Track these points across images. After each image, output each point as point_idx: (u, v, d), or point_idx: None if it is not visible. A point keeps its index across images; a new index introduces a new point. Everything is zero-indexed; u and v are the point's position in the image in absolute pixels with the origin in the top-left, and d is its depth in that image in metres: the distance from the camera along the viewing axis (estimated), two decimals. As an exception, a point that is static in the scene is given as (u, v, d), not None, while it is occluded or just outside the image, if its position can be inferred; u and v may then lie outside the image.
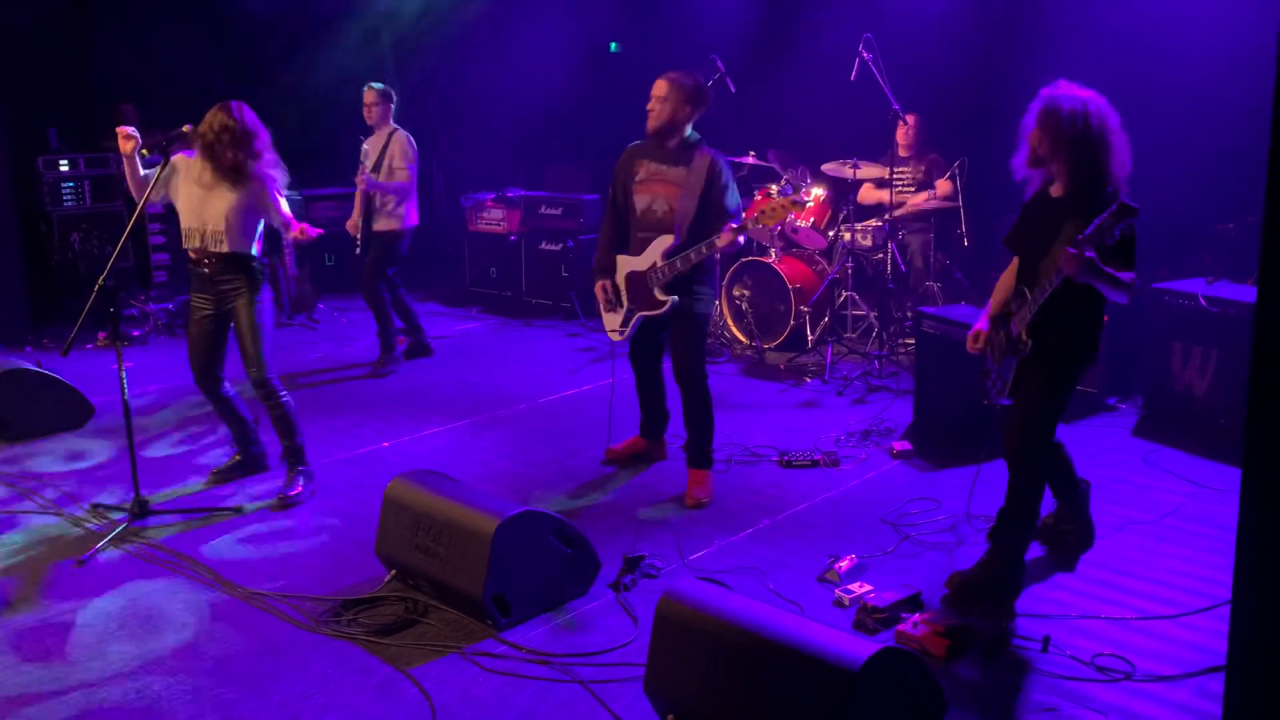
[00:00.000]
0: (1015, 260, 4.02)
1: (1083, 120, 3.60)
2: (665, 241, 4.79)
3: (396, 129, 7.24)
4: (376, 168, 7.15)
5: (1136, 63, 6.75)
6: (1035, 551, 4.18)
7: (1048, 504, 4.17)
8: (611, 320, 5.07)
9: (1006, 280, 4.04)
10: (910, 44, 7.54)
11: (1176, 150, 6.52)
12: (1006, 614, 3.76)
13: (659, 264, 4.79)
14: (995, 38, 7.57)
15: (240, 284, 4.84)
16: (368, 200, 7.15)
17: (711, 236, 4.65)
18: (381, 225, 7.17)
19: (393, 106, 7.29)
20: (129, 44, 9.22)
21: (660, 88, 4.81)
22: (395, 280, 7.35)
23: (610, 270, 5.02)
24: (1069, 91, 3.68)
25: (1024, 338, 3.78)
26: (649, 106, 4.83)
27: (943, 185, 7.46)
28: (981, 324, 4.05)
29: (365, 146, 7.20)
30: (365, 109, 7.25)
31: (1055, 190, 3.79)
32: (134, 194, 4.92)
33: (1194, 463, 5.21)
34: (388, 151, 7.18)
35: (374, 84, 7.31)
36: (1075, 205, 3.66)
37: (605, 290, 5.01)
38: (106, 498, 5.02)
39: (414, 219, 7.30)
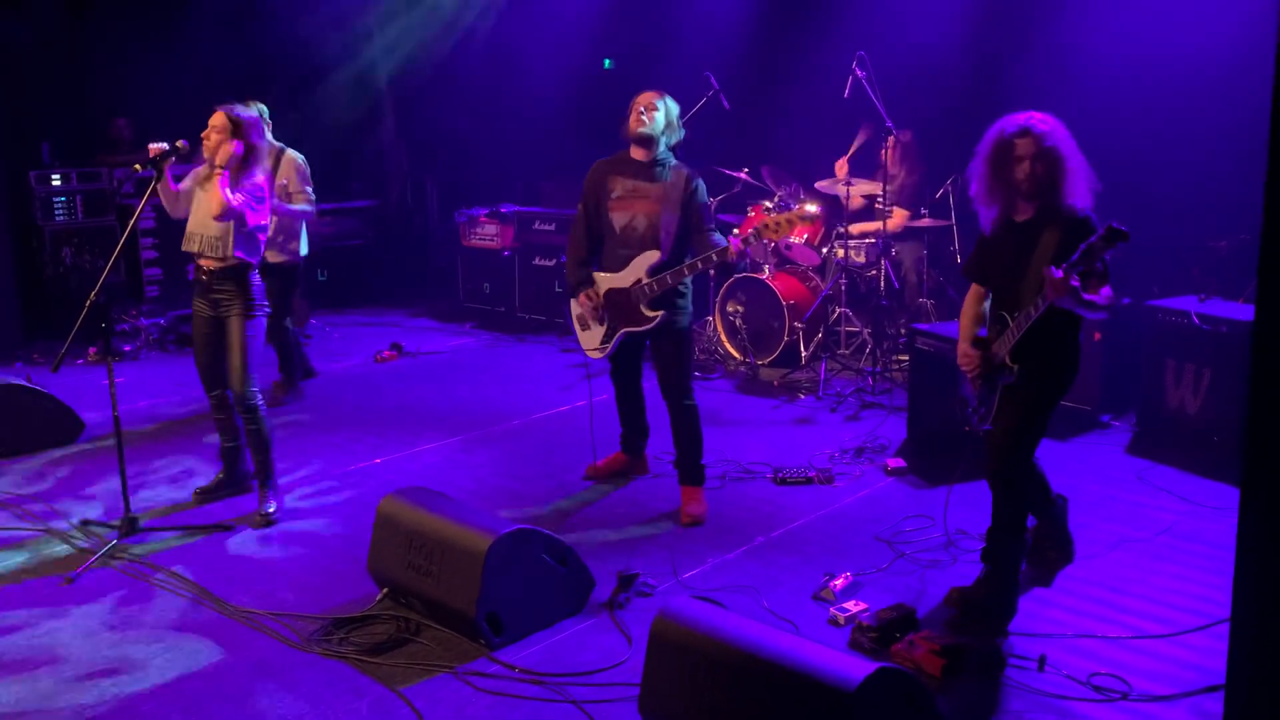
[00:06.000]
0: (974, 289, 4.04)
1: (1066, 144, 3.66)
2: (650, 257, 4.78)
3: (283, 148, 6.59)
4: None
5: (1128, 83, 6.81)
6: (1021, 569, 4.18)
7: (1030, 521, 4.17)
8: (589, 339, 5.05)
9: (971, 309, 4.04)
10: (902, 62, 7.56)
11: (1168, 168, 6.56)
12: (1000, 634, 3.75)
13: (644, 280, 4.77)
14: (988, 53, 7.60)
15: (234, 296, 4.83)
16: None
17: (711, 251, 4.64)
18: (276, 257, 6.49)
19: (269, 126, 6.39)
20: (124, 59, 9.23)
21: (652, 98, 4.82)
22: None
23: (590, 283, 4.98)
24: (1047, 118, 3.71)
25: (1009, 363, 3.79)
26: (640, 114, 4.80)
27: (899, 213, 7.41)
28: (965, 346, 4.01)
29: None
30: None
31: (1022, 215, 3.80)
32: (167, 209, 4.94)
33: (1188, 480, 5.21)
34: (279, 175, 6.53)
35: (255, 103, 6.17)
36: (1047, 228, 3.70)
37: (591, 298, 4.94)
38: (96, 514, 4.98)
39: (307, 248, 6.80)
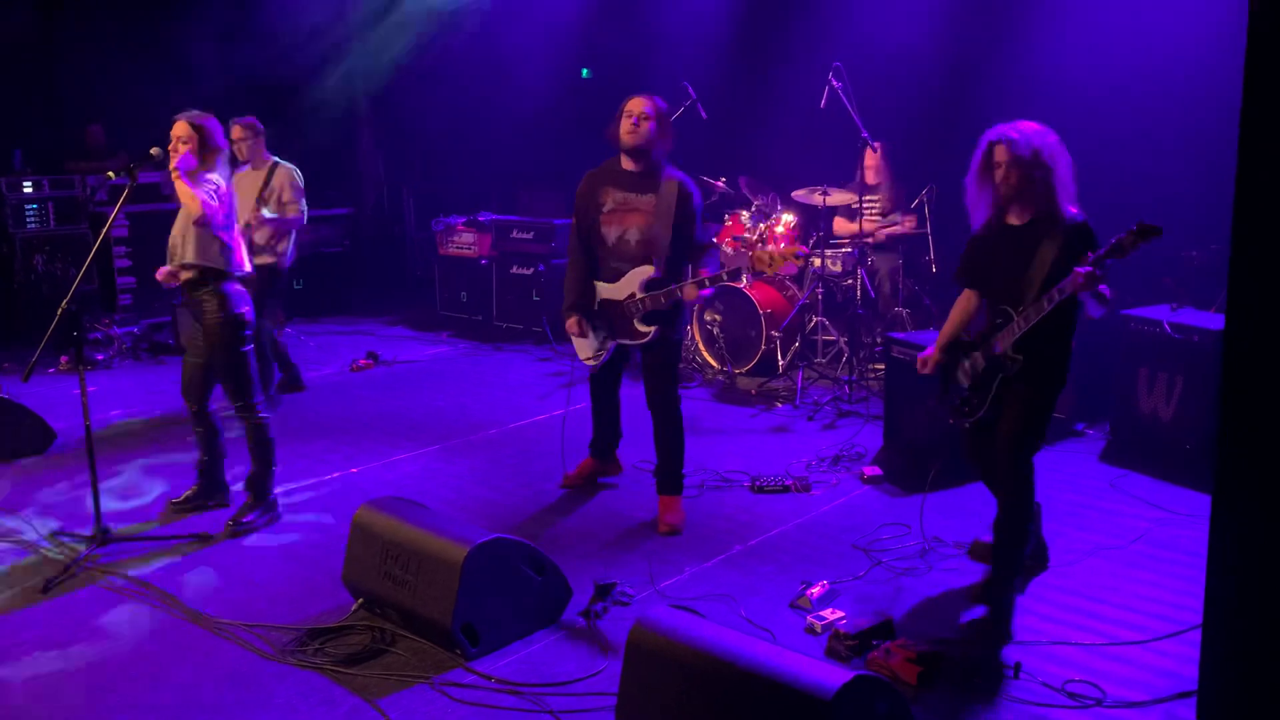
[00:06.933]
0: (964, 296, 4.18)
1: (1047, 153, 3.81)
2: (644, 272, 4.71)
3: (278, 161, 6.77)
4: (260, 203, 6.62)
5: (1101, 93, 6.87)
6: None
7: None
8: (584, 347, 5.01)
9: (963, 309, 4.18)
10: (879, 72, 7.61)
11: (1141, 178, 6.62)
12: (1005, 636, 3.76)
13: (639, 295, 4.72)
14: (964, 65, 7.66)
15: (211, 306, 4.76)
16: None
17: (685, 283, 4.64)
18: (262, 259, 6.51)
19: (264, 140, 6.76)
20: (98, 65, 9.16)
21: (644, 104, 4.64)
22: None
23: (584, 306, 4.89)
24: (1030, 127, 3.85)
25: (1012, 354, 3.86)
26: (632, 122, 4.63)
27: (907, 220, 7.55)
28: (929, 350, 4.17)
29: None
30: (234, 146, 6.39)
31: (1017, 219, 3.92)
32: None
33: (1160, 488, 5.25)
34: (271, 186, 6.66)
35: (238, 120, 6.64)
36: (1048, 233, 3.82)
37: (580, 325, 4.90)
38: (67, 525, 4.92)
39: (293, 256, 6.84)
